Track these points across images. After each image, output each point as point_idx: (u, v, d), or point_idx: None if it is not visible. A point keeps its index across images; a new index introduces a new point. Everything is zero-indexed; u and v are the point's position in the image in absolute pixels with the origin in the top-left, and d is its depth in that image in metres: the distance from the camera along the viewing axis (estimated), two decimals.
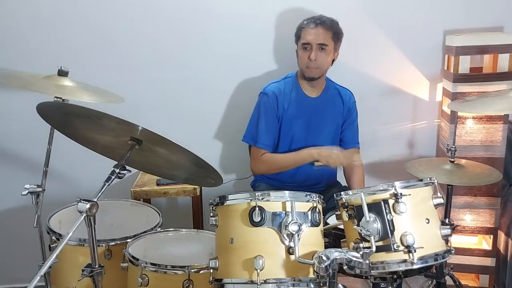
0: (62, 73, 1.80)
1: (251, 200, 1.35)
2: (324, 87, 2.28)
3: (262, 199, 1.35)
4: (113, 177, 1.39)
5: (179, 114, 2.58)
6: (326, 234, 1.57)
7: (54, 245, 1.90)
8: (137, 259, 1.66)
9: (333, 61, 2.22)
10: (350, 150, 2.28)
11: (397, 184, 1.35)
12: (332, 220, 1.72)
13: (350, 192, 1.41)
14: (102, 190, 1.36)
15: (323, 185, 2.33)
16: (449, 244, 1.42)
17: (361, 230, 1.30)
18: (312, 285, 1.32)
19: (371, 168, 2.64)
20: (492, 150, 2.32)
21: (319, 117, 2.26)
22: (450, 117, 2.35)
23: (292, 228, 1.30)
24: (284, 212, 1.35)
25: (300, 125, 2.24)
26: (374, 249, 1.28)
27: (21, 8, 2.41)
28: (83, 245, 1.80)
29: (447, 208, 2.01)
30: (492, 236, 2.40)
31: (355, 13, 2.47)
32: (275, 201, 1.36)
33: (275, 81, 2.28)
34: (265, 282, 1.29)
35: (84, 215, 1.31)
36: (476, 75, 2.30)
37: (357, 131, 2.34)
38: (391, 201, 1.34)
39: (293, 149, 2.24)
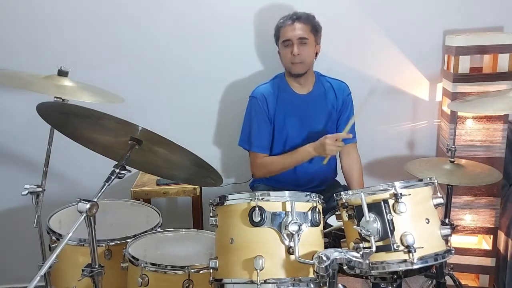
0: (62, 73, 1.80)
1: (251, 200, 1.35)
2: (314, 82, 2.27)
3: (262, 199, 1.35)
4: (113, 177, 1.39)
5: (179, 114, 2.58)
6: (326, 234, 1.57)
7: (54, 245, 1.90)
8: (137, 259, 1.66)
9: (316, 54, 2.21)
10: (347, 146, 2.26)
11: (397, 184, 1.35)
12: (332, 220, 1.72)
13: (350, 192, 1.41)
14: (102, 190, 1.36)
15: (323, 185, 2.33)
16: (449, 244, 1.42)
17: (361, 230, 1.30)
18: (312, 285, 1.32)
19: (371, 168, 2.64)
20: (492, 150, 2.32)
21: (312, 113, 2.25)
22: (450, 117, 2.35)
23: (292, 228, 1.31)
24: (284, 212, 1.35)
25: (293, 123, 2.23)
26: (374, 249, 1.28)
27: (21, 8, 2.41)
28: (83, 245, 1.80)
29: (447, 208, 2.01)
30: (492, 236, 2.40)
31: (354, 13, 2.47)
32: (275, 201, 1.36)
33: (264, 82, 2.29)
34: (265, 282, 1.29)
35: (84, 215, 1.31)
36: (476, 75, 2.30)
37: (354, 125, 2.30)
38: (391, 201, 1.34)
39: (288, 148, 2.24)
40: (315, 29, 2.17)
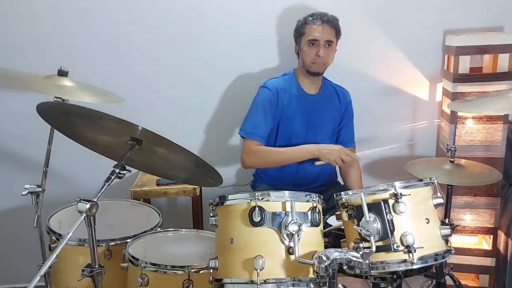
0: (62, 73, 1.80)
1: (251, 200, 1.35)
2: (321, 84, 2.29)
3: (262, 199, 1.35)
4: (113, 177, 1.39)
5: (179, 114, 2.58)
6: (326, 234, 1.57)
7: (54, 245, 1.90)
8: (137, 259, 1.66)
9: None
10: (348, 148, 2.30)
11: (397, 184, 1.35)
12: (332, 220, 1.72)
13: (350, 192, 1.41)
14: (102, 190, 1.36)
15: (323, 185, 2.33)
16: (449, 244, 1.42)
17: (361, 230, 1.30)
18: (312, 285, 1.32)
19: (371, 168, 2.64)
20: (492, 150, 2.32)
21: (318, 114, 2.26)
22: (450, 117, 2.35)
23: (292, 228, 1.31)
24: (284, 212, 1.35)
25: (300, 122, 2.23)
26: (374, 249, 1.28)
27: (21, 8, 2.41)
28: (83, 245, 1.80)
29: (447, 208, 2.01)
30: (492, 236, 2.40)
31: (355, 13, 2.47)
32: (275, 201, 1.36)
33: (275, 77, 2.28)
34: (265, 282, 1.29)
35: (84, 215, 1.31)
36: (476, 75, 2.30)
37: (353, 130, 2.36)
38: (391, 201, 1.34)
39: (291, 146, 2.23)
40: (339, 34, 2.20)
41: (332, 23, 2.16)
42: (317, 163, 2.10)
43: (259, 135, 2.18)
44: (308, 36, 2.15)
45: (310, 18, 2.17)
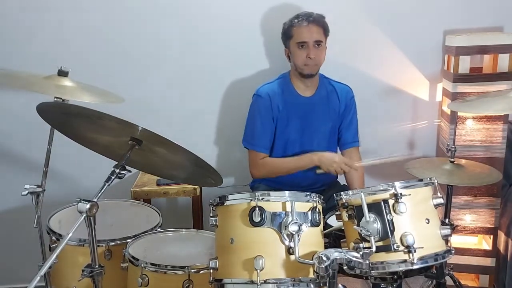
0: (62, 73, 1.80)
1: (251, 200, 1.35)
2: (317, 85, 2.27)
3: (262, 199, 1.35)
4: (113, 177, 1.39)
5: (179, 114, 2.58)
6: (326, 234, 1.57)
7: (54, 245, 1.90)
8: (137, 259, 1.66)
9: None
10: (350, 150, 2.30)
11: (397, 184, 1.35)
12: (332, 220, 1.72)
13: (350, 192, 1.41)
14: (102, 190, 1.36)
15: (323, 185, 2.32)
16: (449, 244, 1.42)
17: (361, 230, 1.30)
18: (312, 285, 1.32)
19: (371, 168, 2.61)
20: (492, 150, 2.32)
21: (314, 116, 2.24)
22: (450, 117, 2.35)
23: (292, 228, 1.31)
24: (284, 212, 1.35)
25: (295, 126, 2.23)
26: (374, 249, 1.28)
27: (21, 8, 2.41)
28: (83, 245, 1.80)
29: (447, 208, 2.01)
30: (492, 236, 2.40)
31: (355, 13, 2.47)
32: (275, 201, 1.36)
33: (268, 82, 2.27)
34: (265, 282, 1.29)
35: (84, 215, 1.31)
36: (476, 75, 2.30)
37: (357, 128, 2.32)
38: (391, 201, 1.34)
39: (288, 151, 2.23)
40: (327, 32, 2.17)
41: (319, 22, 2.13)
42: (319, 171, 2.11)
43: (261, 146, 2.21)
44: (297, 38, 2.12)
45: (296, 20, 2.14)
